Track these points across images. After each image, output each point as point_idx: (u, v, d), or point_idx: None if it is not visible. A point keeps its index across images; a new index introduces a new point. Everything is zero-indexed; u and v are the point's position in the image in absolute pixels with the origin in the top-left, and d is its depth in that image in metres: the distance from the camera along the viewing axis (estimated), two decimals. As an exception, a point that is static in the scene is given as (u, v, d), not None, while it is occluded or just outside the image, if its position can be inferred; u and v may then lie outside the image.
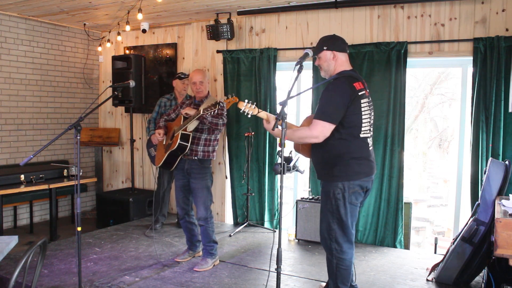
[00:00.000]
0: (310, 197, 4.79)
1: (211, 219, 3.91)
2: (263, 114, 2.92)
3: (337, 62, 2.88)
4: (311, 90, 4.83)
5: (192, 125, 3.73)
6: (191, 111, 3.69)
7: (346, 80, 2.80)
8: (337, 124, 2.74)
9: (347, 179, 2.80)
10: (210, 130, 3.82)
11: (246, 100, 2.91)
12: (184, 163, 3.87)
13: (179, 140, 3.71)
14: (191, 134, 3.76)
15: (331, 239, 2.86)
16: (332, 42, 2.89)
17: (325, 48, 2.87)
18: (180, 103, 4.14)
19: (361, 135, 2.83)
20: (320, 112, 2.76)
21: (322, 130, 2.72)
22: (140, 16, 4.71)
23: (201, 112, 3.52)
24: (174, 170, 3.97)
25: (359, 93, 2.79)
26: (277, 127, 2.65)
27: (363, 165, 2.84)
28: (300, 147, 3.09)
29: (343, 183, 2.80)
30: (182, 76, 4.95)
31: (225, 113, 3.86)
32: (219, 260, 4.05)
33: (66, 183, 4.85)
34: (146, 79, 5.92)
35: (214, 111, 3.49)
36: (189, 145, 3.75)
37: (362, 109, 2.81)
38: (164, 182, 5.18)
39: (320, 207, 3.02)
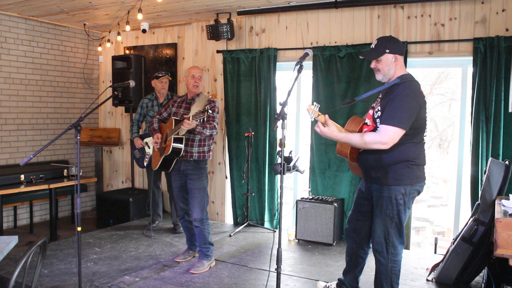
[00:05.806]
0: (310, 197, 4.79)
1: (207, 221, 3.88)
2: (321, 118, 2.72)
3: (397, 66, 2.77)
4: (310, 89, 4.84)
5: (183, 130, 3.64)
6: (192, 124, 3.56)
7: (417, 85, 2.74)
8: (407, 130, 2.65)
9: (410, 183, 2.75)
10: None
11: (315, 103, 2.66)
12: (180, 164, 3.84)
13: (172, 144, 3.67)
14: (184, 137, 3.72)
15: (388, 243, 2.82)
16: (394, 45, 2.75)
17: (387, 51, 2.73)
18: (172, 101, 4.02)
19: (424, 140, 2.83)
20: (391, 117, 2.62)
21: (393, 136, 2.61)
22: (140, 16, 4.71)
23: (191, 119, 3.46)
24: (171, 171, 3.93)
25: (425, 98, 2.76)
26: (277, 127, 2.64)
27: (423, 170, 2.83)
28: (349, 152, 2.90)
29: (405, 188, 2.74)
30: (160, 75, 4.96)
31: (216, 124, 3.80)
32: (219, 260, 4.04)
33: (66, 183, 4.84)
34: (146, 79, 5.91)
35: (202, 119, 3.49)
36: (183, 148, 3.72)
37: (426, 114, 2.79)
38: (150, 182, 5.16)
39: (369, 211, 2.97)
